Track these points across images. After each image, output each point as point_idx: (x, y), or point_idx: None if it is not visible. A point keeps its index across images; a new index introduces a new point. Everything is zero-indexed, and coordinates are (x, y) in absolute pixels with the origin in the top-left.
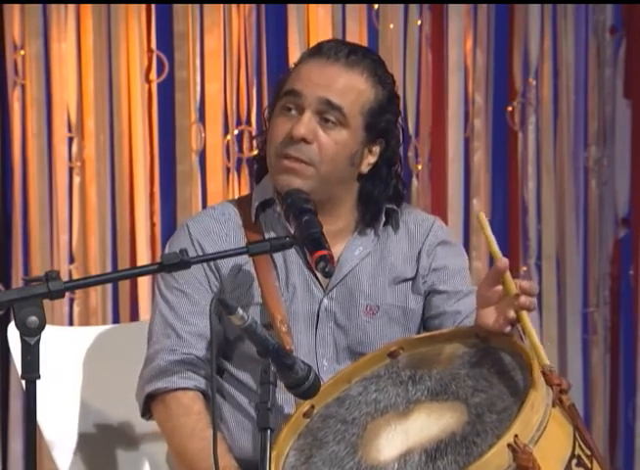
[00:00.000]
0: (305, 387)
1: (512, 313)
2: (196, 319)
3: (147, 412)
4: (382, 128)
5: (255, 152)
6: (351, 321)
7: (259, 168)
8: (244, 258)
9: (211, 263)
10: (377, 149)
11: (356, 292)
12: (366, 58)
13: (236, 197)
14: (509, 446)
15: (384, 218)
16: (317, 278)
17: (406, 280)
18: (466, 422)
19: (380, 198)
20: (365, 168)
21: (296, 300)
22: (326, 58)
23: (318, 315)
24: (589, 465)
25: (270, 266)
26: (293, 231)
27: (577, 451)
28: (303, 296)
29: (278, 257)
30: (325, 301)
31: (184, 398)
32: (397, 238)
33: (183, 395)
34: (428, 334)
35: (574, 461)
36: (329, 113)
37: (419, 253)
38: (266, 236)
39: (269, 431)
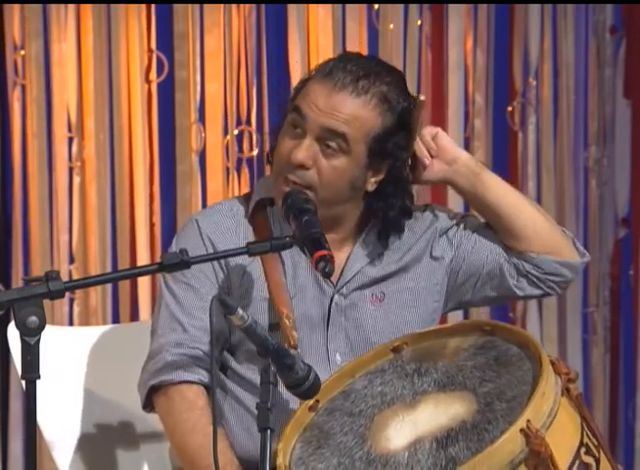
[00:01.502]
0: (305, 387)
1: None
2: (202, 314)
3: (148, 404)
4: (388, 152)
5: (257, 148)
6: (361, 313)
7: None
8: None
9: (221, 259)
10: (383, 168)
11: (365, 285)
12: (377, 82)
13: (241, 194)
14: (521, 430)
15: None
16: None
17: (412, 266)
18: (476, 410)
19: (387, 216)
20: (371, 187)
21: (305, 296)
22: (334, 84)
23: (329, 311)
24: (597, 455)
25: (277, 262)
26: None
27: (585, 440)
28: (314, 292)
29: (286, 253)
30: (336, 296)
31: (188, 392)
32: (403, 235)
33: (187, 389)
34: (431, 328)
35: (583, 450)
36: (331, 140)
37: (428, 242)
38: (274, 231)
39: (269, 431)
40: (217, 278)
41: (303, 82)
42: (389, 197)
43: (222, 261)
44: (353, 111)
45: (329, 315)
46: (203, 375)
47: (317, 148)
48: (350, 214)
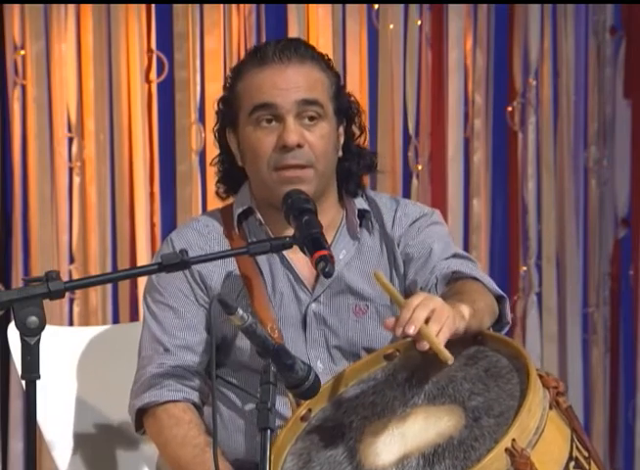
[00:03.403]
0: (306, 387)
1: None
2: (183, 333)
3: (140, 427)
4: (345, 108)
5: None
6: (342, 322)
7: (234, 179)
8: (230, 268)
9: (196, 276)
10: (342, 128)
11: (344, 293)
12: (307, 48)
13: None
14: (506, 450)
15: (357, 220)
16: (303, 283)
17: (390, 276)
18: (463, 426)
19: (359, 171)
20: (340, 152)
21: (283, 305)
22: (278, 62)
23: (305, 319)
24: (587, 467)
25: (257, 274)
26: (272, 235)
27: (575, 453)
28: (290, 301)
29: (264, 264)
30: (313, 305)
31: (174, 409)
32: (373, 238)
33: (173, 406)
34: None
35: (572, 463)
36: (309, 110)
37: (395, 245)
38: None
39: (269, 431)
40: (196, 296)
41: (232, 88)
42: (356, 150)
43: (199, 280)
44: (310, 77)
45: (305, 323)
46: (187, 392)
47: (299, 126)
48: (330, 191)
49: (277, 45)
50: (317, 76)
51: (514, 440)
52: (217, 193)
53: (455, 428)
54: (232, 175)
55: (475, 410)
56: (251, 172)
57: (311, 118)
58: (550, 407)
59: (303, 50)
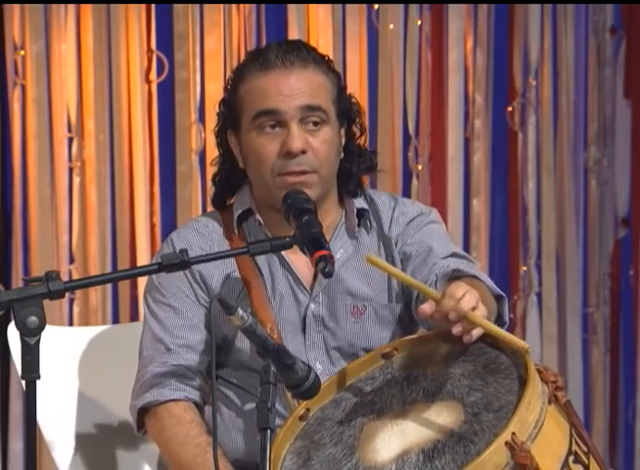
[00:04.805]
0: (306, 387)
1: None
2: (184, 332)
3: (141, 427)
4: (346, 110)
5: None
6: (340, 323)
7: (234, 182)
8: (230, 268)
9: (197, 276)
10: (343, 130)
11: (342, 294)
12: (309, 51)
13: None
14: (506, 443)
15: (356, 220)
16: (302, 284)
17: (387, 275)
18: (462, 421)
19: (359, 171)
20: (341, 153)
21: (283, 307)
22: (281, 67)
23: (305, 321)
24: (586, 462)
25: (256, 275)
26: (270, 236)
27: (574, 448)
28: (289, 302)
29: (263, 265)
30: (312, 306)
31: (175, 408)
32: (371, 237)
33: (174, 406)
34: (421, 335)
35: (572, 458)
36: (313, 116)
37: (392, 244)
38: None
39: (269, 431)
40: (196, 295)
41: (233, 90)
42: (357, 151)
43: (200, 280)
44: (313, 82)
45: (304, 324)
46: (188, 391)
47: (303, 131)
48: (331, 193)
49: (279, 49)
50: (320, 81)
51: (514, 433)
52: (213, 199)
53: (454, 423)
54: (232, 177)
55: (474, 406)
56: (254, 177)
57: (315, 124)
58: (549, 402)
59: (306, 53)
